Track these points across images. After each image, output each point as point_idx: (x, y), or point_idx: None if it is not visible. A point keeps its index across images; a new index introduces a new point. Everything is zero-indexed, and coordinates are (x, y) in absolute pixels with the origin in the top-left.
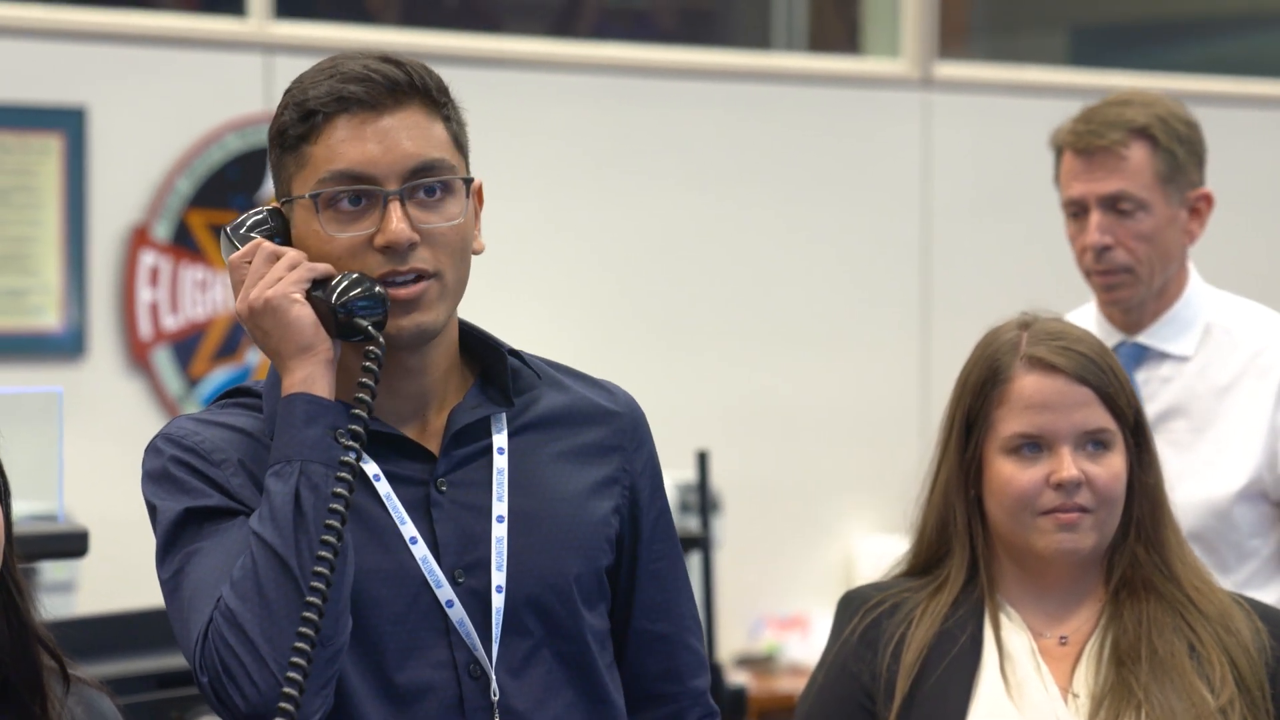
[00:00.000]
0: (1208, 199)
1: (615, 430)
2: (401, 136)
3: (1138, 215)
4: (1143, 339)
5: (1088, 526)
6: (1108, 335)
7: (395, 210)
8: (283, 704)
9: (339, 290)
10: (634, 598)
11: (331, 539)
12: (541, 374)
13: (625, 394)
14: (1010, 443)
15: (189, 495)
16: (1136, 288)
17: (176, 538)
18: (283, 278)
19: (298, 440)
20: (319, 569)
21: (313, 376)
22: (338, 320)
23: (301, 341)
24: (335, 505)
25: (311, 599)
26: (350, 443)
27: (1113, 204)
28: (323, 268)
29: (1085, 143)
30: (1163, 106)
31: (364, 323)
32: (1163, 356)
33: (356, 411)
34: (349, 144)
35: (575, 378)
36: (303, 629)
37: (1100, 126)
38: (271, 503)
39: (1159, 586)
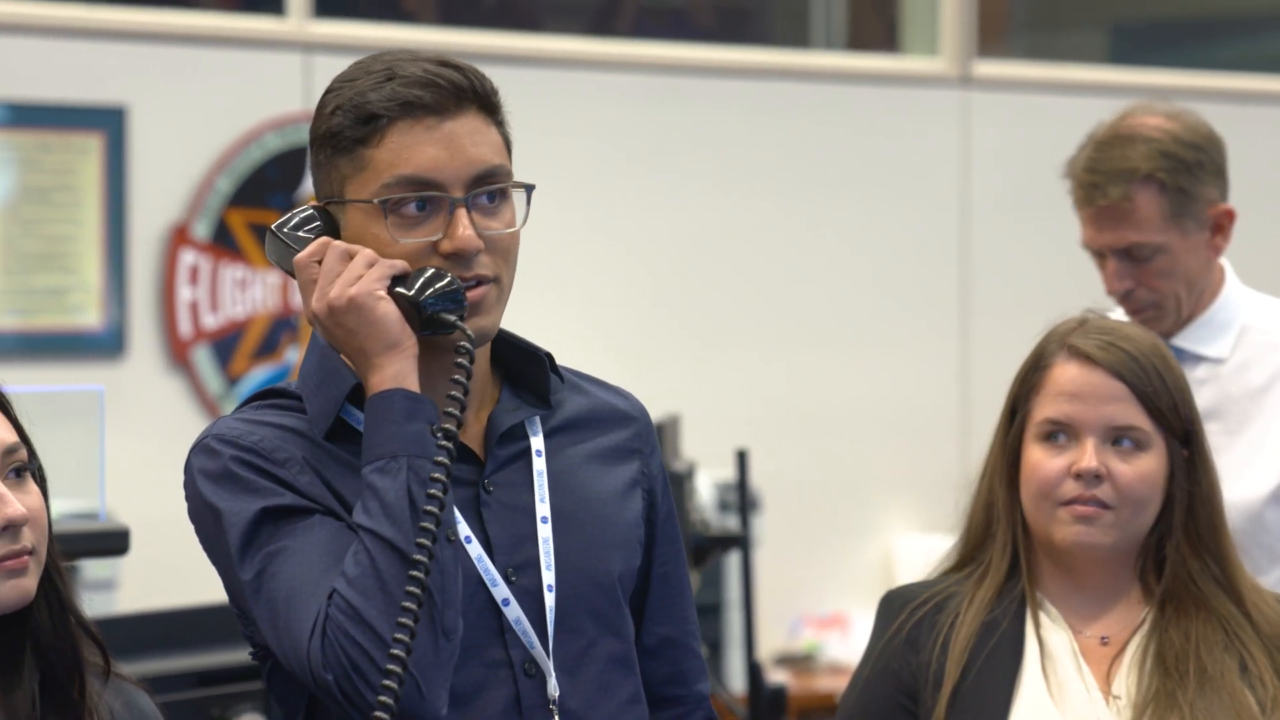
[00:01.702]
0: (1229, 214)
1: (633, 434)
2: (465, 143)
3: (1155, 258)
4: (1178, 341)
5: (1106, 523)
6: None
7: (463, 217)
8: (388, 682)
9: (419, 285)
10: (645, 601)
11: (430, 525)
12: (564, 378)
13: (637, 399)
14: (1041, 429)
15: (260, 495)
16: (1165, 319)
17: (254, 538)
18: (363, 275)
19: (400, 435)
20: (418, 554)
21: (403, 372)
22: (420, 316)
23: (389, 338)
24: (433, 491)
25: (415, 572)
26: (444, 442)
27: (1127, 253)
28: (400, 264)
29: (1090, 198)
30: (1168, 136)
31: (450, 317)
32: (1198, 359)
33: (450, 410)
34: (415, 149)
35: (592, 382)
36: (407, 603)
37: (1104, 178)
38: (382, 499)
39: (1211, 601)
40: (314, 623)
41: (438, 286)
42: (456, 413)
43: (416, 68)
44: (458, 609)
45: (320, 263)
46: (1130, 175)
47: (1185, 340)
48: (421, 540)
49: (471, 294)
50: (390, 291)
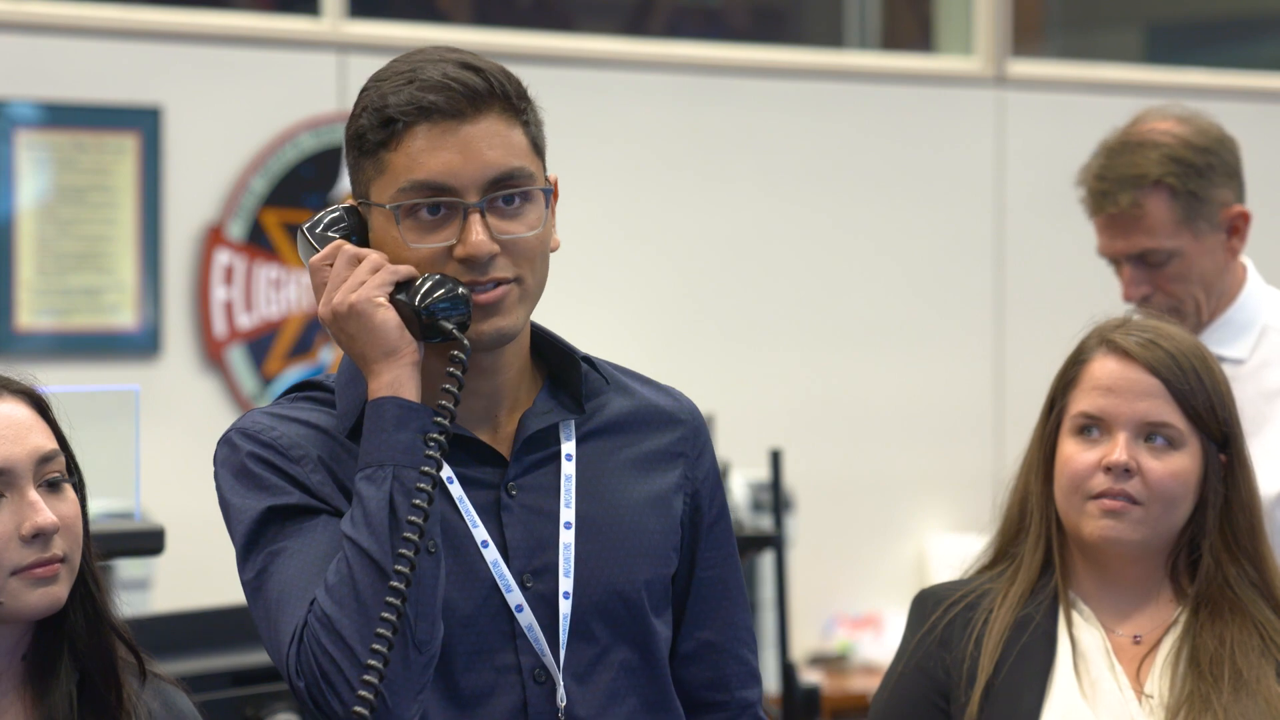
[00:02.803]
0: (1244, 216)
1: (680, 437)
2: (482, 146)
3: (1169, 263)
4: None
5: (1135, 518)
6: None
7: (476, 222)
8: (362, 692)
9: (422, 292)
10: (687, 605)
11: (413, 535)
12: (610, 379)
13: (688, 400)
14: (1075, 422)
15: (269, 493)
16: (1184, 324)
17: (258, 537)
18: (366, 281)
19: (388, 444)
20: (399, 565)
21: (400, 379)
22: (421, 322)
23: (387, 345)
24: (418, 501)
25: (395, 583)
26: (432, 452)
27: (1141, 259)
28: (405, 270)
29: (1100, 206)
30: (1178, 141)
31: (449, 325)
32: (1218, 359)
33: (439, 419)
34: (429, 154)
35: (641, 382)
36: (385, 614)
37: (1114, 186)
38: (365, 507)
39: (1248, 607)
40: (295, 628)
41: (439, 294)
42: (446, 422)
43: (437, 70)
44: (433, 620)
45: (332, 266)
46: (1139, 181)
47: (1206, 341)
48: (402, 553)
49: (488, 295)
50: (393, 298)
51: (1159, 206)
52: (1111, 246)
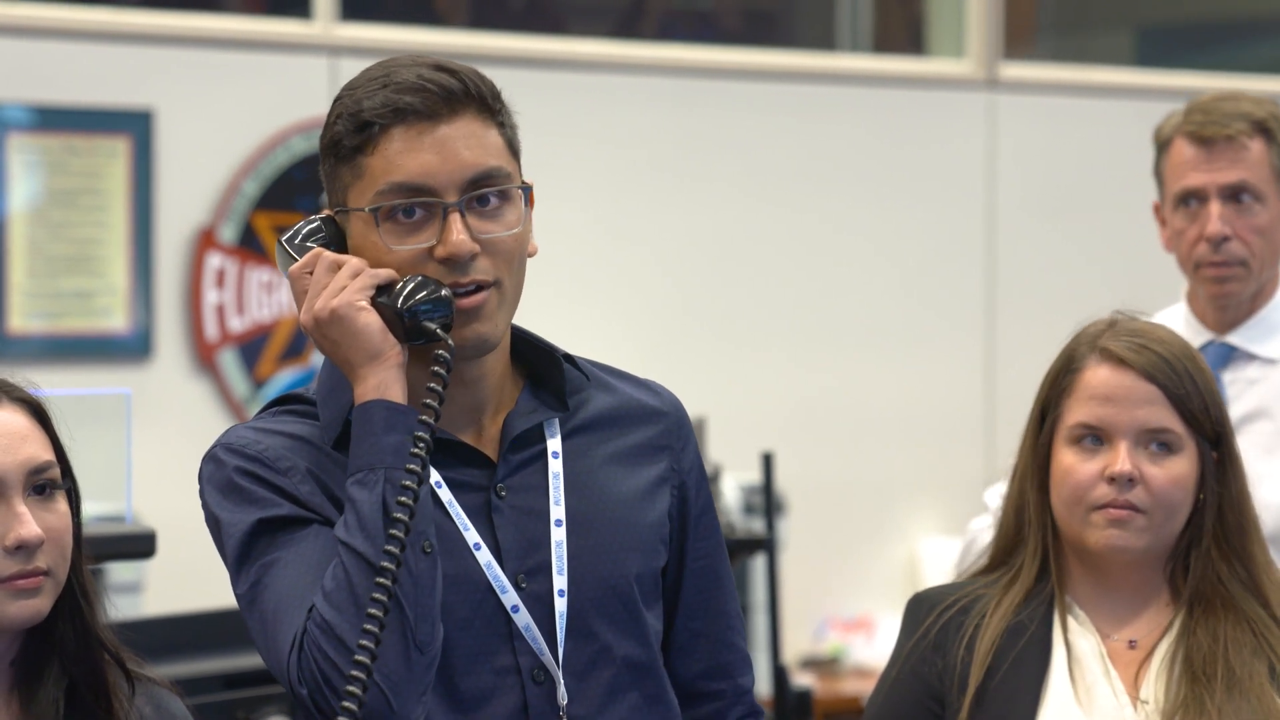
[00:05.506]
0: None
1: (663, 430)
2: (459, 146)
3: (1255, 208)
4: (1231, 339)
5: (1140, 526)
6: (1197, 334)
7: (456, 222)
8: (354, 673)
9: (404, 294)
10: (679, 596)
11: (399, 532)
12: (590, 376)
13: (670, 393)
14: (1073, 433)
15: (259, 506)
16: (1248, 281)
17: (250, 549)
18: (346, 286)
19: (379, 447)
20: (386, 560)
21: (386, 382)
22: (404, 325)
23: (371, 349)
24: (404, 499)
25: (384, 572)
26: (418, 451)
27: (1234, 194)
28: (385, 273)
29: (1208, 132)
30: (1273, 104)
31: (432, 325)
32: (1250, 358)
33: (424, 418)
34: (406, 155)
35: (621, 378)
36: (376, 595)
37: (1221, 117)
38: (358, 511)
39: (1240, 603)
40: (294, 636)
41: (421, 295)
42: (430, 421)
43: (411, 73)
44: (433, 621)
45: (312, 274)
46: (1248, 116)
47: (1239, 338)
48: (389, 548)
49: (468, 300)
50: (374, 301)
51: (1260, 146)
52: (1205, 179)
